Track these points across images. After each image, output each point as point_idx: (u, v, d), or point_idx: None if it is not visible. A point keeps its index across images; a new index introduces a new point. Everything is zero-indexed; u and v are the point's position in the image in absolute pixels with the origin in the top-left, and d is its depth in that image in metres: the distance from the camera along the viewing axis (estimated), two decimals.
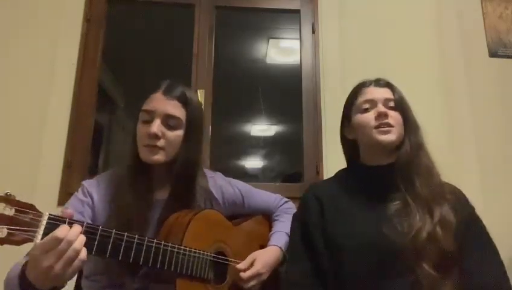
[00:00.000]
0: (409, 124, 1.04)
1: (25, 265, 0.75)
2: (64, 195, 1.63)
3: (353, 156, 1.14)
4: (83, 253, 0.73)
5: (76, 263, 0.72)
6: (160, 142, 1.00)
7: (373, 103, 1.06)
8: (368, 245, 0.93)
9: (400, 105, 1.06)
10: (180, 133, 1.03)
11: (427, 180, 0.98)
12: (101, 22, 1.90)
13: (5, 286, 0.80)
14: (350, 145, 1.14)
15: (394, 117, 1.03)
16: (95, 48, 1.86)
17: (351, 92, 1.14)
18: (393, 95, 1.07)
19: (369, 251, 0.93)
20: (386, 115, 1.02)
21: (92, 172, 1.75)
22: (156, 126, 0.99)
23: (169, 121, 1.01)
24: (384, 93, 1.07)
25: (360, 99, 1.09)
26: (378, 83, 1.10)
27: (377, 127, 1.03)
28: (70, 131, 1.72)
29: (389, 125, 1.02)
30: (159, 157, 1.00)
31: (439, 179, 1.01)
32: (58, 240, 0.70)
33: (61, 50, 1.79)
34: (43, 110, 1.71)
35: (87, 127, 1.77)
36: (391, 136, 1.02)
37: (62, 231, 0.71)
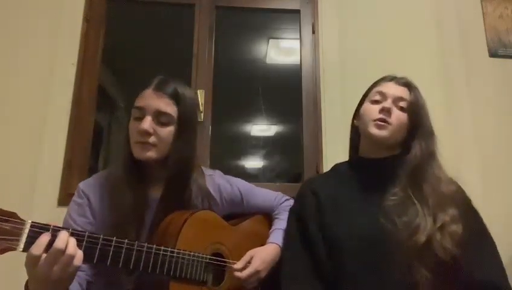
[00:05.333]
0: (422, 130, 1.02)
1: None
2: (64, 195, 1.62)
3: (355, 147, 1.12)
4: (79, 255, 0.74)
5: (72, 267, 0.73)
6: (152, 139, 0.98)
7: (384, 96, 1.04)
8: (363, 237, 0.93)
9: (412, 108, 1.03)
10: (171, 129, 1.01)
11: (436, 189, 0.95)
12: (101, 22, 1.90)
13: None
14: (355, 133, 1.12)
15: (397, 116, 1.01)
16: (95, 48, 1.86)
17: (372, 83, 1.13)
18: (409, 96, 1.04)
19: (366, 243, 0.92)
20: (388, 112, 1.00)
21: (92, 172, 1.74)
22: (147, 123, 0.98)
23: (160, 118, 1.00)
24: (399, 91, 1.05)
25: (375, 89, 1.08)
26: (399, 80, 1.09)
27: (375, 120, 1.01)
28: (70, 131, 1.71)
29: (387, 122, 1.00)
30: (151, 154, 0.99)
31: (448, 187, 0.97)
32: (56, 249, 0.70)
33: (61, 50, 1.79)
34: (43, 110, 1.70)
35: (87, 127, 1.77)
36: (384, 132, 1.00)
37: (58, 241, 0.71)
